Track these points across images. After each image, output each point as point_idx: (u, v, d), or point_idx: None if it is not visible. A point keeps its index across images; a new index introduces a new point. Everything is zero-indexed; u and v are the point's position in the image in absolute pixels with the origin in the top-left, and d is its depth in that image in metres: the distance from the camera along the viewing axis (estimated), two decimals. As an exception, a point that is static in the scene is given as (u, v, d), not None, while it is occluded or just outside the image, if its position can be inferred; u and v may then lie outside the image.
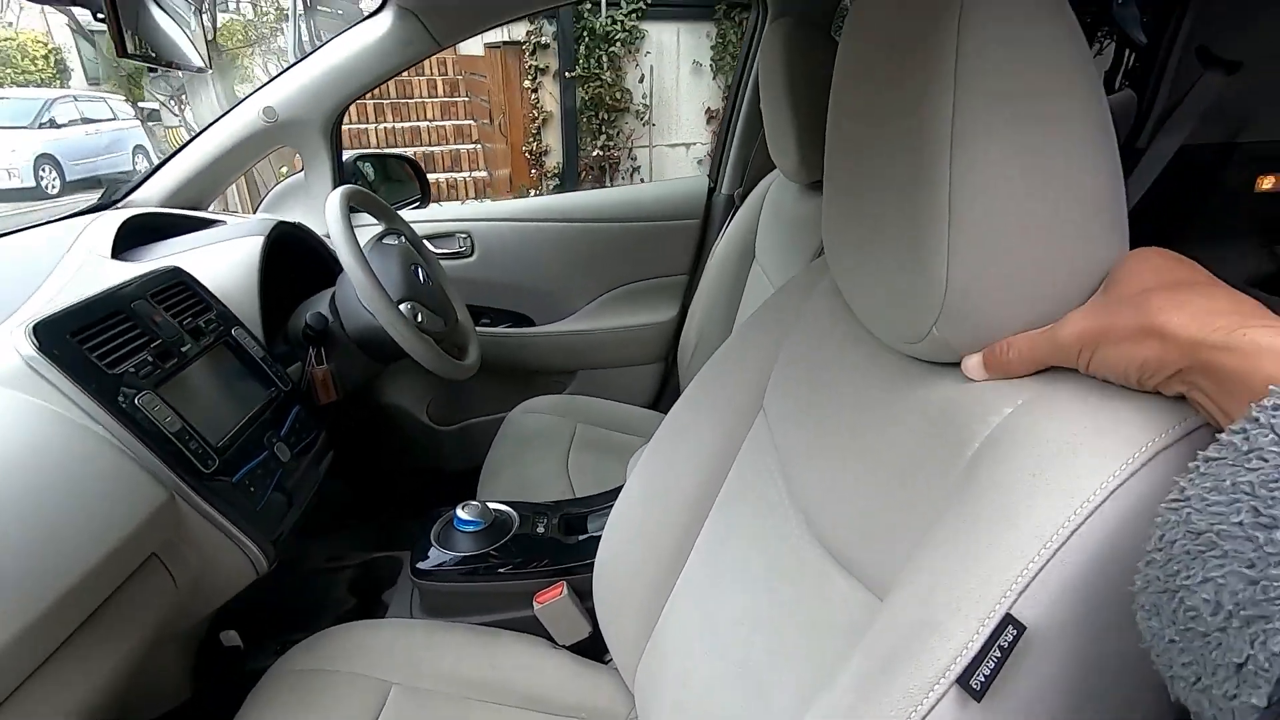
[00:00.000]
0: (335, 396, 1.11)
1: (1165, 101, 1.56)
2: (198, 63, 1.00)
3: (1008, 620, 0.32)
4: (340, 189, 1.07)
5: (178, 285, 0.88)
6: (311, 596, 1.08)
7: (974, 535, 0.36)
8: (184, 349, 0.81)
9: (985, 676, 0.31)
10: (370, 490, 1.47)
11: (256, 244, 1.05)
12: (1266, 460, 0.27)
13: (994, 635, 0.32)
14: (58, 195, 6.91)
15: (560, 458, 1.32)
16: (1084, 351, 0.37)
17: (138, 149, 7.87)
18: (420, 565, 0.89)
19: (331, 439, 1.04)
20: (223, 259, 1.02)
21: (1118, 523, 0.32)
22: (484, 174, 5.50)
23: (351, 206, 1.16)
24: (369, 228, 1.34)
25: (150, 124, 8.03)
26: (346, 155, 1.50)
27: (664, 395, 1.71)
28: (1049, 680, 0.32)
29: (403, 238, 1.23)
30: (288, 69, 1.31)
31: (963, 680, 0.32)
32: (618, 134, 4.27)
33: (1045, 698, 0.32)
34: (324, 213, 1.03)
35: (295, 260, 1.20)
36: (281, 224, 1.16)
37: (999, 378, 0.42)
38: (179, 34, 0.94)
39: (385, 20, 1.25)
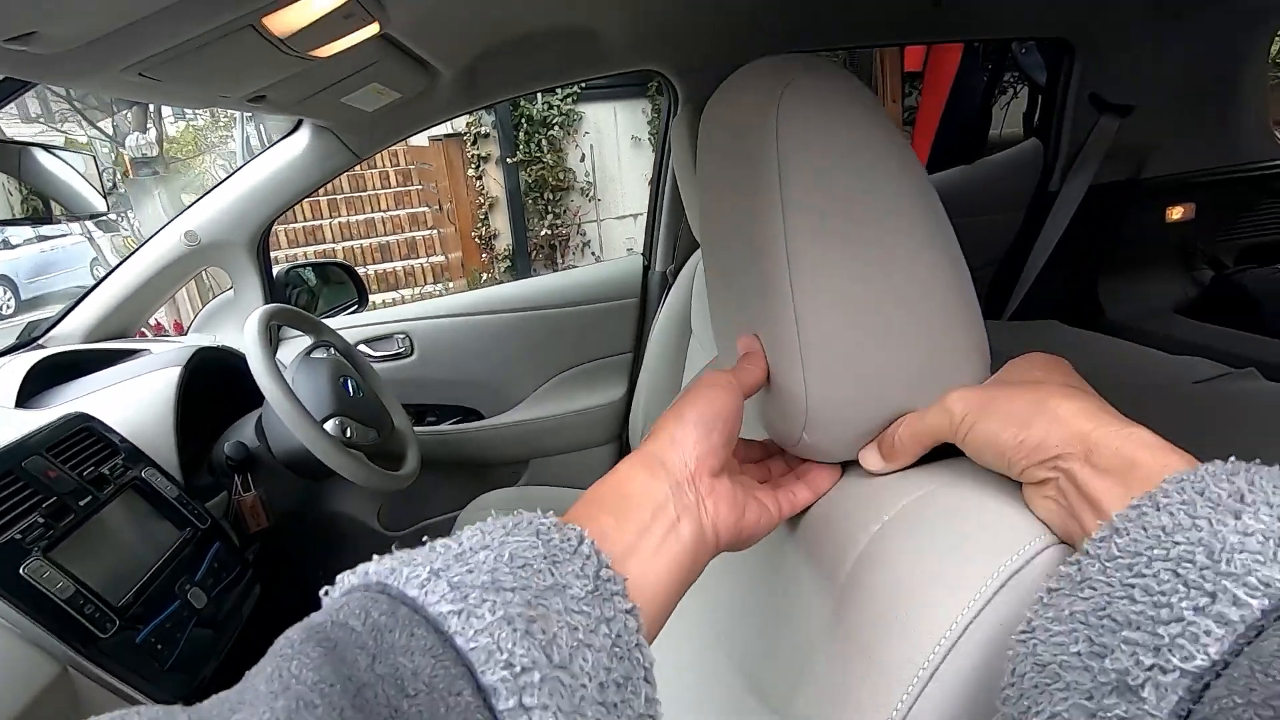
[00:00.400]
0: (267, 523, 1.07)
1: (1068, 147, 1.64)
2: (98, 208, 0.99)
3: None
4: (257, 312, 1.05)
5: (80, 432, 0.84)
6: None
7: (849, 667, 0.35)
8: (83, 503, 0.77)
9: None
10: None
11: (173, 376, 1.03)
12: (1095, 589, 0.27)
13: None
14: (12, 315, 6.81)
15: (512, 558, 1.27)
16: (967, 420, 0.37)
17: (94, 261, 7.84)
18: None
19: (261, 572, 0.99)
20: (136, 396, 0.99)
21: (985, 648, 0.31)
22: (440, 258, 5.55)
23: (278, 324, 1.15)
24: (299, 340, 1.32)
25: (109, 234, 8.03)
26: (279, 267, 1.50)
27: (621, 475, 1.69)
28: None
29: (332, 349, 1.22)
30: (208, 193, 1.31)
31: None
32: (564, 211, 4.37)
33: None
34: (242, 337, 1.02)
35: (223, 384, 1.17)
36: (203, 350, 1.14)
37: (897, 466, 0.41)
38: (72, 181, 0.94)
39: (303, 138, 1.27)
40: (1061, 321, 1.53)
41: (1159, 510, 0.26)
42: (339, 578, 0.28)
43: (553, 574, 0.28)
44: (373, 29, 0.79)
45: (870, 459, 0.42)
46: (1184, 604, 0.24)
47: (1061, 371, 0.38)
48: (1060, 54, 1.60)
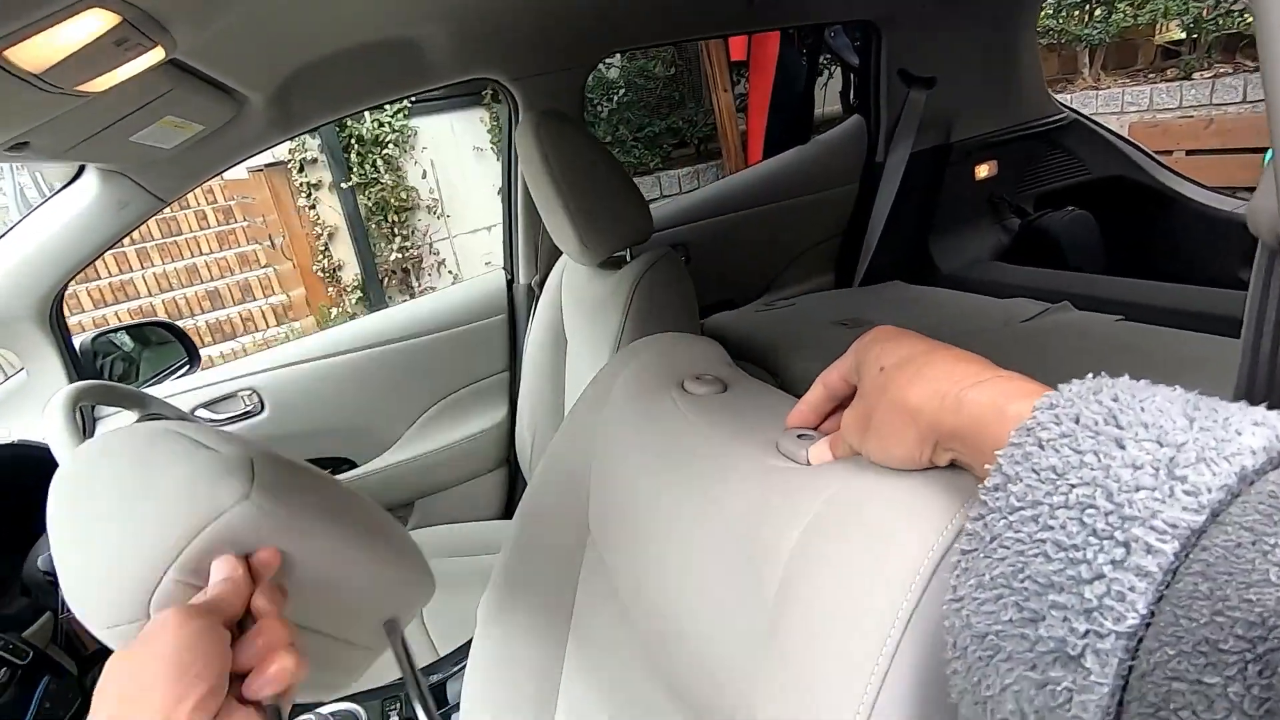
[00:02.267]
0: (109, 636, 0.92)
1: (886, 120, 1.77)
2: None
3: None
4: (60, 393, 0.90)
5: None
6: None
7: (798, 679, 0.33)
8: None
9: None
10: None
11: (-44, 486, 0.85)
12: (1008, 548, 0.26)
13: None
14: None
15: (412, 611, 1.18)
16: (859, 442, 0.38)
17: None
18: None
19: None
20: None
21: (925, 647, 0.30)
22: (281, 298, 5.11)
23: (91, 404, 0.98)
24: (122, 415, 1.15)
25: None
26: (81, 338, 1.30)
27: (514, 498, 1.62)
28: None
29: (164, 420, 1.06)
30: (-29, 261, 1.10)
31: None
32: (413, 232, 4.15)
33: None
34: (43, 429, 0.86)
35: (25, 488, 0.99)
36: (-6, 449, 0.96)
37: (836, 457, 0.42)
38: None
39: (90, 185, 1.10)
40: (903, 281, 1.65)
41: (1043, 449, 0.27)
42: None
43: None
44: (157, 55, 0.68)
45: (817, 455, 0.42)
46: (1101, 559, 0.24)
47: (896, 346, 0.37)
48: (869, 35, 1.72)
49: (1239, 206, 1.80)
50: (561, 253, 1.38)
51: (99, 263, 5.13)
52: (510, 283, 1.57)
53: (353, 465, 1.49)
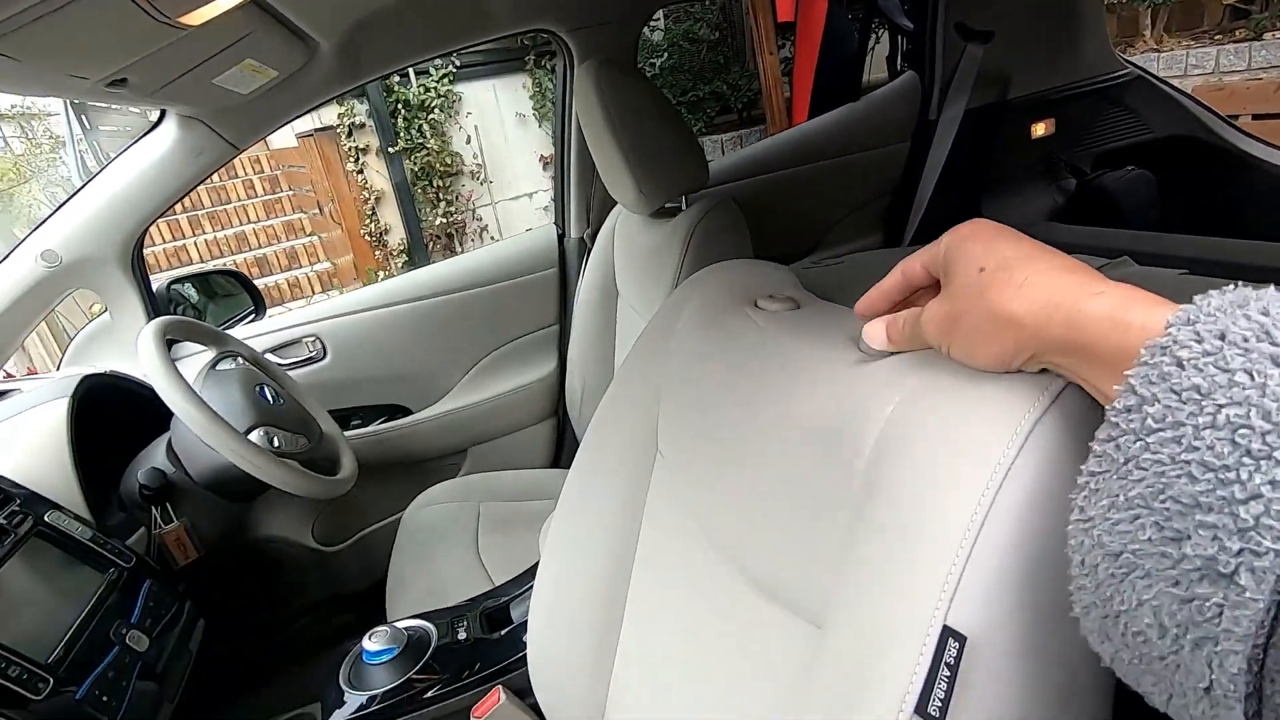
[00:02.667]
0: (196, 554, 0.98)
1: (941, 76, 1.73)
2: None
3: (947, 633, 0.31)
4: (150, 325, 0.95)
5: (-40, 485, 0.74)
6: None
7: (888, 554, 0.35)
8: (-19, 559, 0.67)
9: (941, 699, 0.30)
10: (265, 644, 1.31)
11: (61, 408, 0.92)
12: (1146, 469, 0.26)
13: (938, 652, 0.31)
14: None
15: (469, 547, 1.23)
16: (942, 342, 0.37)
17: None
18: (335, 718, 0.79)
19: (201, 605, 0.91)
20: (21, 436, 0.88)
21: (1020, 508, 0.32)
22: (326, 265, 5.22)
23: (172, 339, 1.04)
24: (198, 356, 1.21)
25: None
26: (158, 282, 1.36)
27: (563, 449, 1.66)
28: (1002, 683, 0.31)
29: (240, 359, 1.12)
30: (64, 204, 1.16)
31: (920, 709, 0.30)
32: (456, 198, 4.19)
33: (1004, 700, 0.31)
34: (136, 351, 0.92)
35: (117, 415, 1.06)
36: (90, 378, 1.02)
37: (897, 350, 0.42)
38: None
39: (169, 132, 1.15)
40: (954, 241, 1.63)
41: (1183, 368, 0.25)
42: None
43: None
44: (244, -9, 0.72)
45: (874, 335, 0.42)
46: (1258, 479, 0.23)
47: (999, 246, 0.36)
48: (925, -11, 1.68)
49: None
50: (613, 206, 1.39)
51: (154, 229, 5.31)
52: (561, 237, 1.59)
53: (409, 412, 1.54)
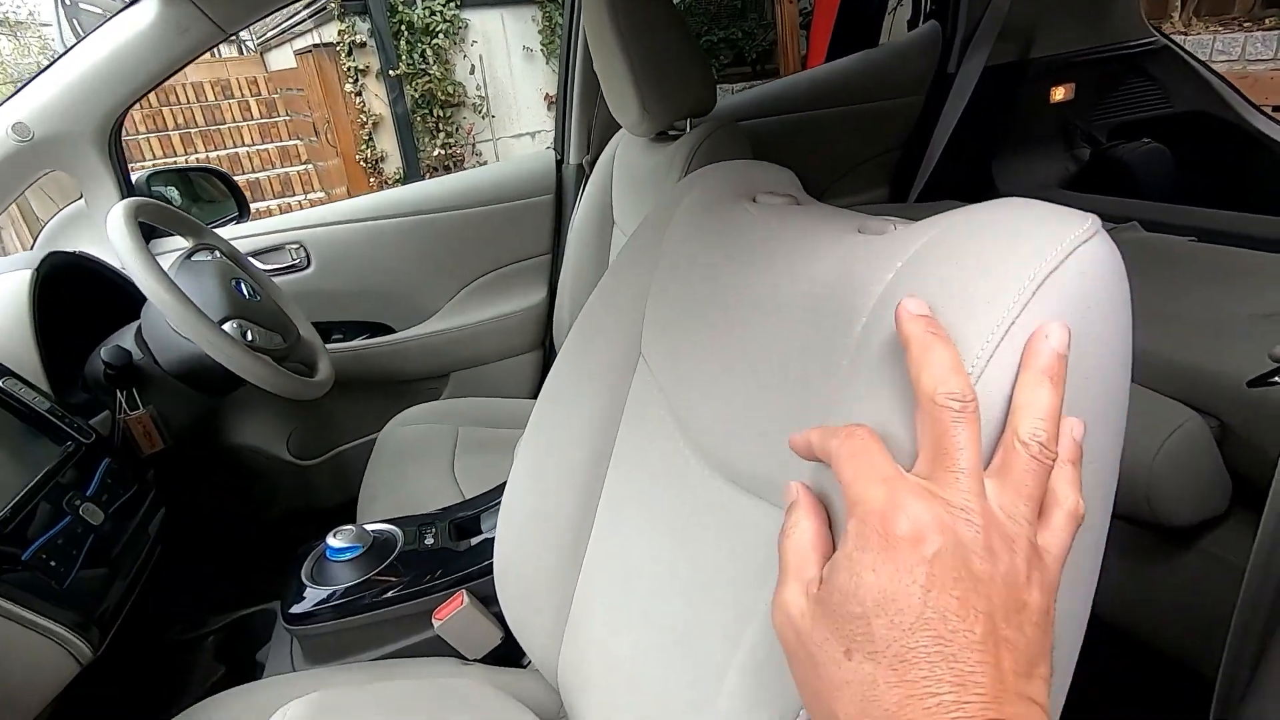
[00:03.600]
0: (162, 444, 0.96)
1: (965, 28, 1.67)
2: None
3: None
4: (123, 202, 0.91)
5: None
6: (168, 676, 0.93)
7: (880, 414, 0.32)
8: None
9: None
10: (232, 548, 1.30)
11: (23, 279, 0.88)
12: None
13: None
14: None
15: (445, 466, 1.22)
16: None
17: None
18: (294, 609, 0.78)
19: (163, 494, 0.89)
20: (-21, 304, 0.84)
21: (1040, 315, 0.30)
22: (320, 195, 5.12)
23: (146, 224, 1.00)
24: (174, 255, 1.16)
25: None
26: (137, 175, 1.31)
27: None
28: None
29: (217, 252, 1.08)
30: (38, 74, 1.10)
31: None
32: (456, 130, 4.07)
33: None
34: (106, 232, 0.88)
35: (86, 298, 1.02)
36: (57, 254, 0.98)
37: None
38: None
39: (151, 7, 1.08)
40: (960, 201, 1.60)
41: None
42: None
43: None
44: None
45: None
46: None
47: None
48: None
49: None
50: (615, 132, 1.35)
51: (144, 144, 5.17)
52: (560, 163, 1.54)
53: (391, 331, 1.51)
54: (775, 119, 1.64)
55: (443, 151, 4.08)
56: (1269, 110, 3.38)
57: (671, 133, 1.14)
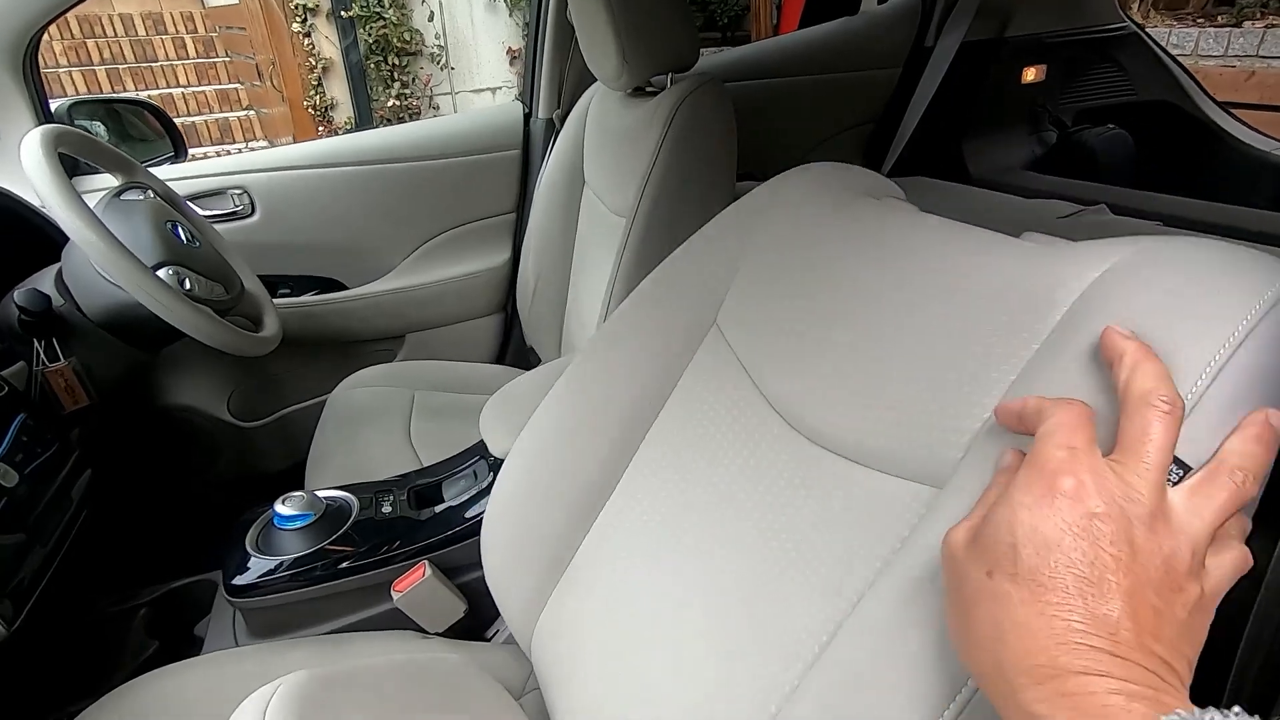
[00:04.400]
0: (87, 400, 0.87)
1: (944, 1, 1.65)
2: None
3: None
4: (40, 129, 0.81)
5: None
6: (96, 651, 0.86)
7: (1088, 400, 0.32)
8: None
9: None
10: (168, 514, 1.21)
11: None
12: None
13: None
14: None
15: (401, 429, 1.16)
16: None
17: None
18: (237, 581, 0.72)
19: (89, 455, 0.81)
20: None
21: (1246, 385, 0.30)
22: (263, 143, 4.83)
23: (68, 157, 0.89)
24: (101, 192, 1.06)
25: None
26: (56, 104, 1.18)
27: (509, 348, 1.58)
28: None
29: (150, 192, 0.98)
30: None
31: None
32: (413, 80, 3.87)
33: None
34: (20, 162, 0.78)
35: (-4, 235, 0.91)
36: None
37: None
38: None
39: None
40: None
41: None
42: None
43: None
44: None
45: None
46: None
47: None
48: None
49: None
50: (588, 85, 1.28)
51: (65, 80, 4.78)
52: (528, 117, 1.47)
53: (342, 287, 1.43)
54: (753, 83, 1.60)
55: (397, 103, 3.89)
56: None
57: (649, 89, 1.09)
